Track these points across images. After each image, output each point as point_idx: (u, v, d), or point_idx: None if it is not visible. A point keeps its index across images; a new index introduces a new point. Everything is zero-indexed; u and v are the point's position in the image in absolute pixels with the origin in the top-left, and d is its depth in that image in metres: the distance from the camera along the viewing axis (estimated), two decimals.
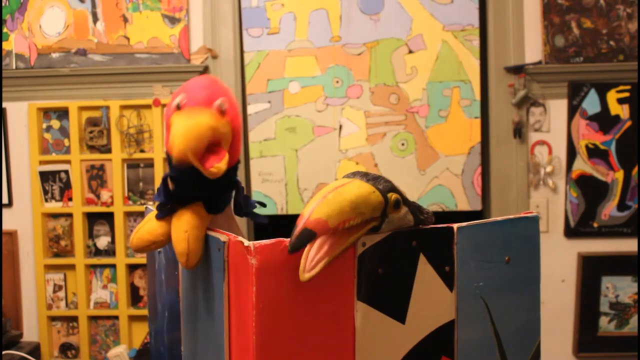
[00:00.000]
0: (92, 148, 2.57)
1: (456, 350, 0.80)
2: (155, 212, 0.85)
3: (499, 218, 0.83)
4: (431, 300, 0.77)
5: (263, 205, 0.97)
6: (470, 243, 0.80)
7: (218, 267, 0.75)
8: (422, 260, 0.77)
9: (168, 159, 0.80)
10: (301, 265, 0.66)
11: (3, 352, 2.31)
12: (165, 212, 0.83)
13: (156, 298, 1.05)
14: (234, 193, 0.91)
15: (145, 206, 1.05)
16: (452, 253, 0.79)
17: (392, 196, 0.72)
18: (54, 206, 2.58)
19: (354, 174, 0.73)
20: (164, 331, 1.02)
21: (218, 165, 0.74)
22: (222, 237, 0.75)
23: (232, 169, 0.85)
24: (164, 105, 2.52)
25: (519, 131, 2.45)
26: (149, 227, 0.84)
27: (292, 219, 0.74)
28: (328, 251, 0.67)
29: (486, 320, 0.82)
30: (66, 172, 2.57)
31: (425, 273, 0.77)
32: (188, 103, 0.77)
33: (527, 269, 0.86)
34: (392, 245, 0.74)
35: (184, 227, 0.78)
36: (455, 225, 0.79)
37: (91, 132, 2.55)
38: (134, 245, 0.84)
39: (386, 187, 0.72)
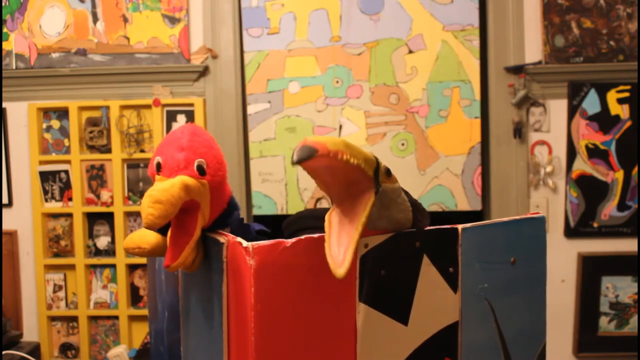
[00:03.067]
0: (92, 148, 2.57)
1: (460, 352, 0.80)
2: None
3: (504, 219, 0.83)
4: (434, 301, 0.77)
5: (266, 233, 0.96)
6: (475, 244, 0.79)
7: (217, 268, 0.75)
8: (426, 262, 0.76)
9: None
10: (330, 264, 0.64)
11: (3, 352, 2.30)
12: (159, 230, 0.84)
13: (156, 298, 1.05)
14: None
15: None
16: (456, 254, 0.78)
17: (382, 163, 0.71)
18: (54, 206, 2.58)
19: None
20: (164, 331, 1.02)
21: (173, 265, 0.74)
22: (221, 238, 0.75)
23: (219, 218, 0.85)
24: (164, 106, 2.52)
25: (519, 131, 2.45)
26: (142, 232, 0.86)
27: None
28: (349, 241, 0.65)
29: (491, 322, 0.82)
30: (66, 172, 2.57)
31: (428, 274, 0.77)
32: (164, 168, 0.77)
33: (533, 271, 0.86)
34: (395, 246, 0.74)
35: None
36: (459, 226, 0.78)
37: (91, 132, 2.54)
38: (124, 245, 0.86)
39: (375, 158, 0.71)
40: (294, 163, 0.62)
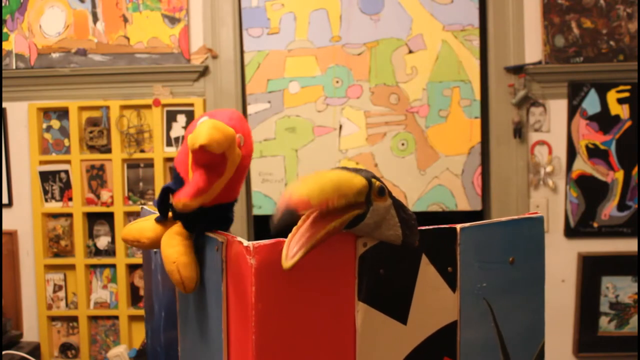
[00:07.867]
0: (92, 148, 2.57)
1: (459, 352, 0.80)
2: (156, 215, 0.86)
3: (503, 219, 0.83)
4: (433, 301, 0.77)
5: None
6: (474, 244, 0.79)
7: (216, 268, 0.75)
8: (425, 261, 0.76)
9: (174, 173, 0.81)
10: (283, 253, 0.65)
11: (3, 352, 2.30)
12: (164, 217, 0.84)
13: (153, 298, 1.06)
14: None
15: (141, 207, 1.05)
16: (455, 254, 0.78)
17: (376, 182, 0.70)
18: (54, 206, 2.58)
19: (334, 170, 0.72)
20: (161, 331, 1.02)
21: (185, 202, 0.73)
22: (220, 238, 0.75)
23: (227, 206, 0.84)
24: (164, 106, 2.52)
25: (519, 131, 2.45)
26: (142, 225, 0.86)
27: None
28: (309, 238, 0.65)
29: (489, 322, 0.82)
30: (66, 172, 2.57)
31: (427, 274, 0.77)
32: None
33: (531, 270, 0.86)
34: (393, 246, 0.74)
35: (172, 257, 0.78)
36: (458, 226, 0.78)
37: (91, 132, 2.54)
38: (122, 235, 0.87)
39: (368, 174, 0.71)
40: (273, 232, 0.63)
